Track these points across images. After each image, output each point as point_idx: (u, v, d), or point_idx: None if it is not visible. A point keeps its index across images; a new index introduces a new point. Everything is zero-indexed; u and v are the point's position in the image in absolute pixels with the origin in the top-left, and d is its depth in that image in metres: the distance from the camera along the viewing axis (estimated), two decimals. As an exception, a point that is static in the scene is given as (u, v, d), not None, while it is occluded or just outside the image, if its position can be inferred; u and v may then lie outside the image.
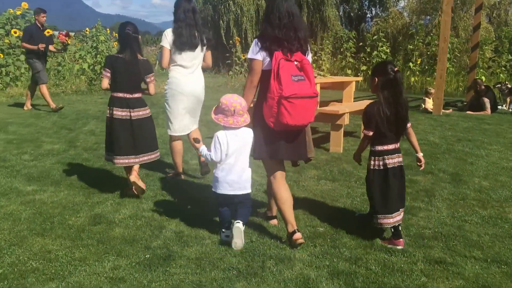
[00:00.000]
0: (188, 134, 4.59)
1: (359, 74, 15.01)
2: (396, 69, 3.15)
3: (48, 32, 8.86)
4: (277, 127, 3.02)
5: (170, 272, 2.77)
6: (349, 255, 3.03)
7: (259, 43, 3.09)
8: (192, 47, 4.38)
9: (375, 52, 15.00)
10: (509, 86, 10.41)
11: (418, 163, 3.41)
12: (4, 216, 3.61)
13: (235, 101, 3.09)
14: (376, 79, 3.19)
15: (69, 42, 9.15)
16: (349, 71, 15.33)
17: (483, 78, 12.58)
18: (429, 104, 9.59)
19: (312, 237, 3.29)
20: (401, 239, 3.19)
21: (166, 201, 4.07)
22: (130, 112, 3.97)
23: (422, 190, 4.40)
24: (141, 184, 3.97)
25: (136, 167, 4.04)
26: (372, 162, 3.25)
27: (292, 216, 3.17)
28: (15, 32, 11.33)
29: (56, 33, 10.20)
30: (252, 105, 3.27)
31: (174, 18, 4.42)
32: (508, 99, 10.13)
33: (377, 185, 3.23)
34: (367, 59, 15.26)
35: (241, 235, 3.06)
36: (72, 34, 13.24)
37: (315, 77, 6.77)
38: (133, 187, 3.99)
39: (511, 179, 4.81)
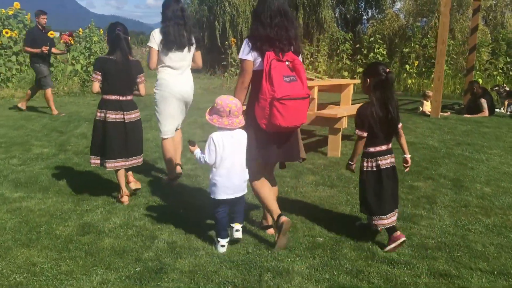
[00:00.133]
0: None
1: (355, 76, 14.91)
2: (388, 70, 3.13)
3: (51, 34, 8.69)
4: (269, 128, 2.99)
5: (161, 287, 2.62)
6: (350, 267, 2.90)
7: (250, 43, 3.04)
8: (180, 47, 4.27)
9: (372, 54, 14.92)
10: (507, 89, 10.35)
11: (404, 164, 3.38)
12: (-12, 225, 3.44)
13: (231, 102, 3.01)
14: (368, 80, 3.18)
15: (72, 43, 9.01)
16: (345, 73, 15.24)
17: (480, 80, 12.51)
18: (427, 107, 9.49)
19: (311, 248, 3.15)
20: (397, 231, 3.17)
21: (158, 208, 3.91)
22: (123, 115, 3.89)
23: (423, 197, 4.28)
24: (139, 185, 4.18)
25: (130, 173, 4.08)
26: (365, 164, 3.24)
27: (276, 204, 3.18)
28: (6, 33, 11.14)
29: (57, 34, 10.04)
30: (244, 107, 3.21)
31: (162, 18, 4.32)
32: (506, 102, 10.05)
33: (370, 186, 3.21)
34: (364, 61, 15.16)
35: (240, 236, 3.15)
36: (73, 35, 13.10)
37: (313, 79, 6.71)
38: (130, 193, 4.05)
39: (513, 185, 4.69)
